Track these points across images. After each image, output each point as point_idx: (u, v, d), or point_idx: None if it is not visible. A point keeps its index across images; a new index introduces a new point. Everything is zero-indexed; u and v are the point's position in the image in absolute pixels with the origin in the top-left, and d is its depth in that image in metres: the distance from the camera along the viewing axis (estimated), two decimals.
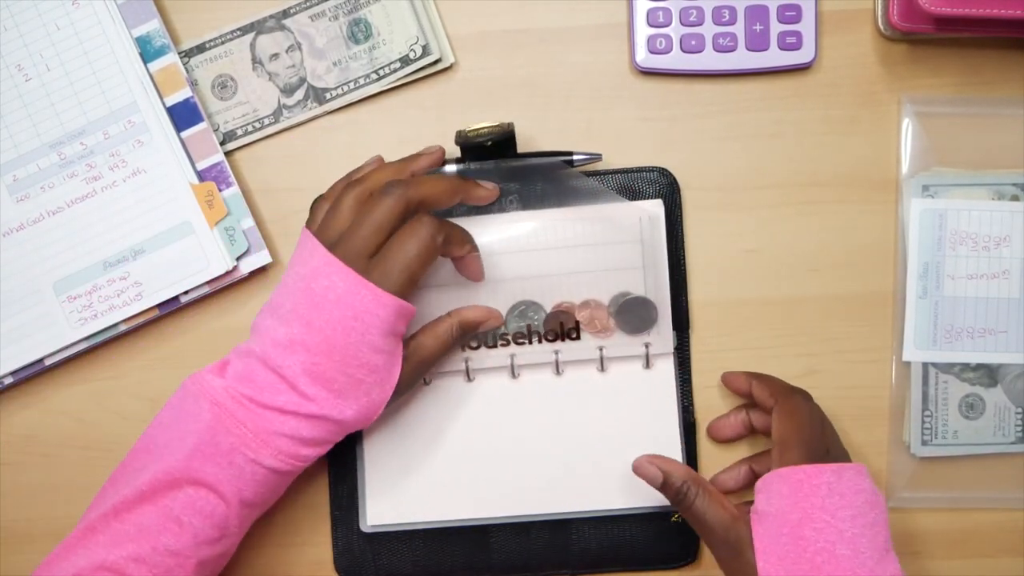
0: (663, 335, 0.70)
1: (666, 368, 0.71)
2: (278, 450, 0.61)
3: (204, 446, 0.60)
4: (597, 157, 0.69)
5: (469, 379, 0.70)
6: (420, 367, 0.66)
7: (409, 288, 0.62)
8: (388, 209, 0.62)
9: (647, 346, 0.70)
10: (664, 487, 0.66)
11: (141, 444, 0.63)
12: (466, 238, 0.65)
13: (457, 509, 0.70)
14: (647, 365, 0.70)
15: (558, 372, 0.70)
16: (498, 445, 0.70)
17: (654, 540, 0.70)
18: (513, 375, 0.70)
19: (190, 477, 0.60)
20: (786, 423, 0.65)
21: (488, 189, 0.68)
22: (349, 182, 0.66)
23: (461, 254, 0.65)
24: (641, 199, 0.71)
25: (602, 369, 0.70)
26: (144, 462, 0.62)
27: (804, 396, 0.68)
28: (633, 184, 0.71)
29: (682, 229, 0.72)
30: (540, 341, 0.70)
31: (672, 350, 0.70)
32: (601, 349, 0.70)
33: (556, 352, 0.70)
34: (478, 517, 0.70)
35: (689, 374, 0.71)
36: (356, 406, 0.62)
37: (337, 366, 0.61)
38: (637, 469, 0.67)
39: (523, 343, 0.70)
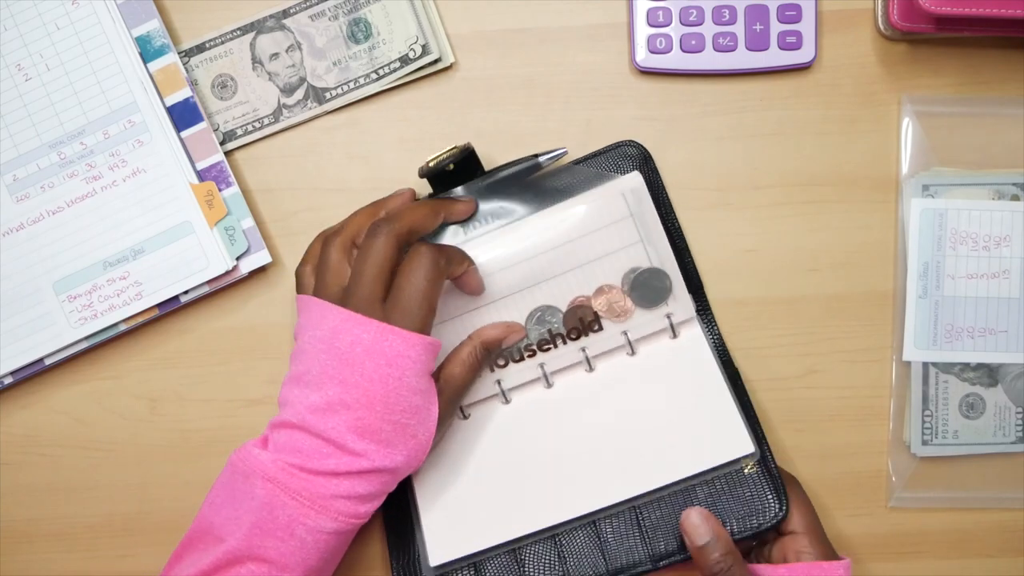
0: (681, 301, 0.69)
1: (694, 332, 0.70)
2: (338, 512, 0.61)
3: (263, 523, 0.60)
4: (563, 152, 0.69)
5: (506, 401, 0.70)
6: (454, 397, 0.65)
7: (430, 320, 0.62)
8: (383, 249, 0.62)
9: (669, 316, 0.69)
10: (703, 550, 0.64)
11: (197, 526, 0.62)
12: (462, 255, 0.66)
13: (521, 524, 0.68)
14: (674, 335, 0.70)
15: (590, 368, 0.70)
16: (550, 459, 0.69)
17: (733, 500, 0.66)
18: (547, 384, 0.70)
19: (252, 555, 0.60)
20: (807, 514, 0.67)
21: (465, 202, 0.69)
22: (325, 237, 0.66)
23: (462, 271, 0.66)
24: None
25: (632, 352, 0.70)
26: (206, 544, 0.62)
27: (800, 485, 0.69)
28: (606, 164, 0.71)
29: (666, 194, 0.71)
30: (564, 342, 0.69)
31: (694, 314, 0.70)
32: (626, 333, 0.69)
33: (583, 349, 0.69)
34: (545, 527, 0.68)
35: (717, 329, 0.71)
36: (405, 451, 0.62)
37: (380, 416, 0.60)
38: (687, 518, 0.65)
39: (548, 348, 0.69)
